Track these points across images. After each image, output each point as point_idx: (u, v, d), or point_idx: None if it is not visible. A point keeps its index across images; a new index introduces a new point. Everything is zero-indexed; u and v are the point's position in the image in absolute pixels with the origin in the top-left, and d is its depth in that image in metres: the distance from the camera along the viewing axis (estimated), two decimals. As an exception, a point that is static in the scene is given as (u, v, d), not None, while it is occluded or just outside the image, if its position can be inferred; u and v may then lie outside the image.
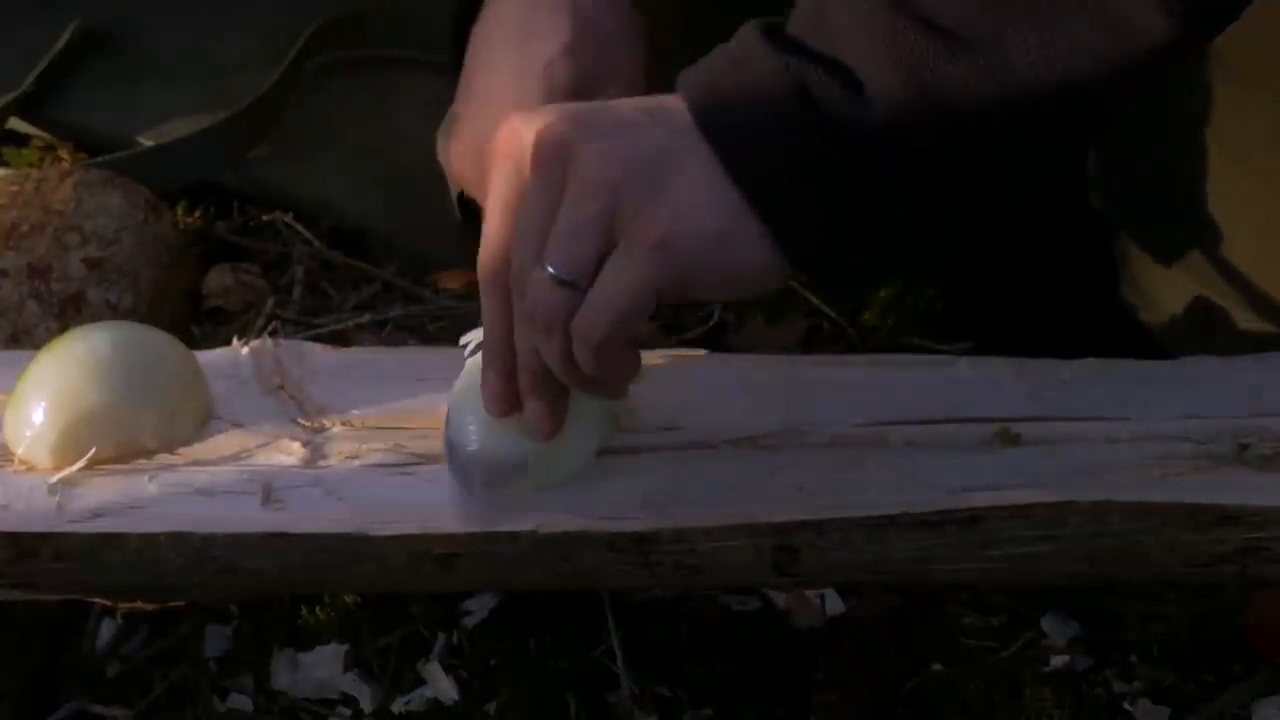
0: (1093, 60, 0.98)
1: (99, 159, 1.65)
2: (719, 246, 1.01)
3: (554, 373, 1.04)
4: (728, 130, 1.01)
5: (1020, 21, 0.97)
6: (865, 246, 1.02)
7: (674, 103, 1.02)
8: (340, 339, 1.50)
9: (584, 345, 1.01)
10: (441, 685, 1.27)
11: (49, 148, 1.76)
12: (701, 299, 1.05)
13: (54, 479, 1.09)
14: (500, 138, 1.04)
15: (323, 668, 1.28)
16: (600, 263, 1.00)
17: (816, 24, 1.00)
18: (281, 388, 1.17)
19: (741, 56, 1.01)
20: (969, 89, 0.98)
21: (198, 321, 1.57)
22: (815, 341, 1.48)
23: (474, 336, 1.13)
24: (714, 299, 1.04)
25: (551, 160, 1.01)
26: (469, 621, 1.30)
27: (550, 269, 1.00)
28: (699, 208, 1.00)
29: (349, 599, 1.31)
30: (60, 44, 1.79)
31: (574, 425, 1.08)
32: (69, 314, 1.37)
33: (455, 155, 1.23)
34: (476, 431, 1.08)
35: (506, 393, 1.06)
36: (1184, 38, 0.98)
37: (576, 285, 1.00)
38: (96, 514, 1.07)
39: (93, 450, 1.09)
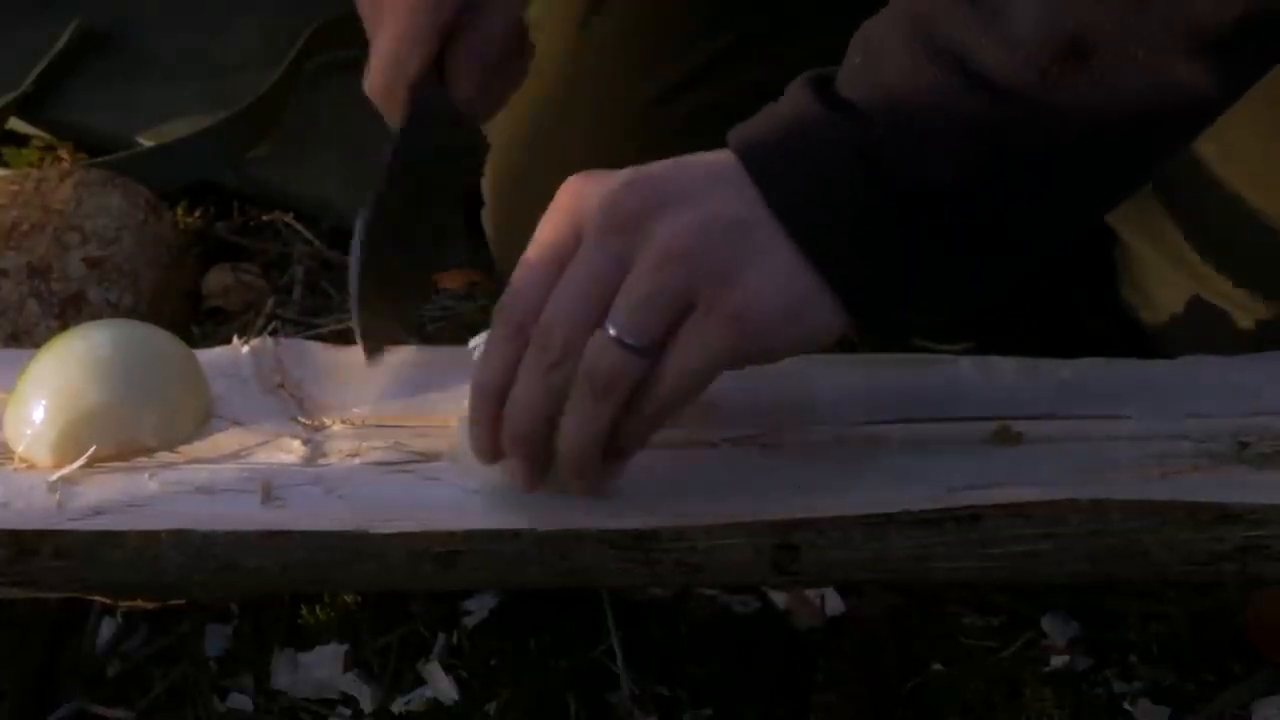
0: (1143, 118, 1.00)
1: (99, 159, 1.65)
2: (792, 318, 1.02)
3: (573, 438, 1.03)
4: (796, 208, 1.01)
5: (1074, 80, 0.98)
6: (925, 299, 1.04)
7: (735, 169, 1.02)
8: (340, 339, 1.50)
9: (655, 412, 1.02)
10: (441, 685, 1.27)
11: (49, 148, 1.77)
12: (764, 362, 1.05)
13: (54, 477, 1.09)
14: (564, 194, 1.04)
15: (323, 668, 1.28)
16: (668, 332, 1.01)
17: (872, 76, 1.01)
18: (282, 386, 1.17)
19: (800, 123, 1.02)
20: (1024, 147, 0.99)
21: (198, 321, 1.57)
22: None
23: (481, 340, 1.13)
24: (774, 360, 1.05)
25: (622, 228, 1.01)
26: (469, 621, 1.30)
27: (614, 332, 1.00)
28: (773, 282, 1.01)
29: (349, 599, 1.31)
30: (60, 44, 1.80)
31: None
32: (69, 313, 1.37)
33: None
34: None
35: (496, 443, 1.06)
36: (1228, 96, 1.01)
37: (644, 353, 1.01)
38: (97, 512, 1.07)
39: (93, 448, 1.09)
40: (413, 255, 1.12)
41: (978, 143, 0.99)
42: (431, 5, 1.12)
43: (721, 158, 1.03)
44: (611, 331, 1.00)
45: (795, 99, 1.03)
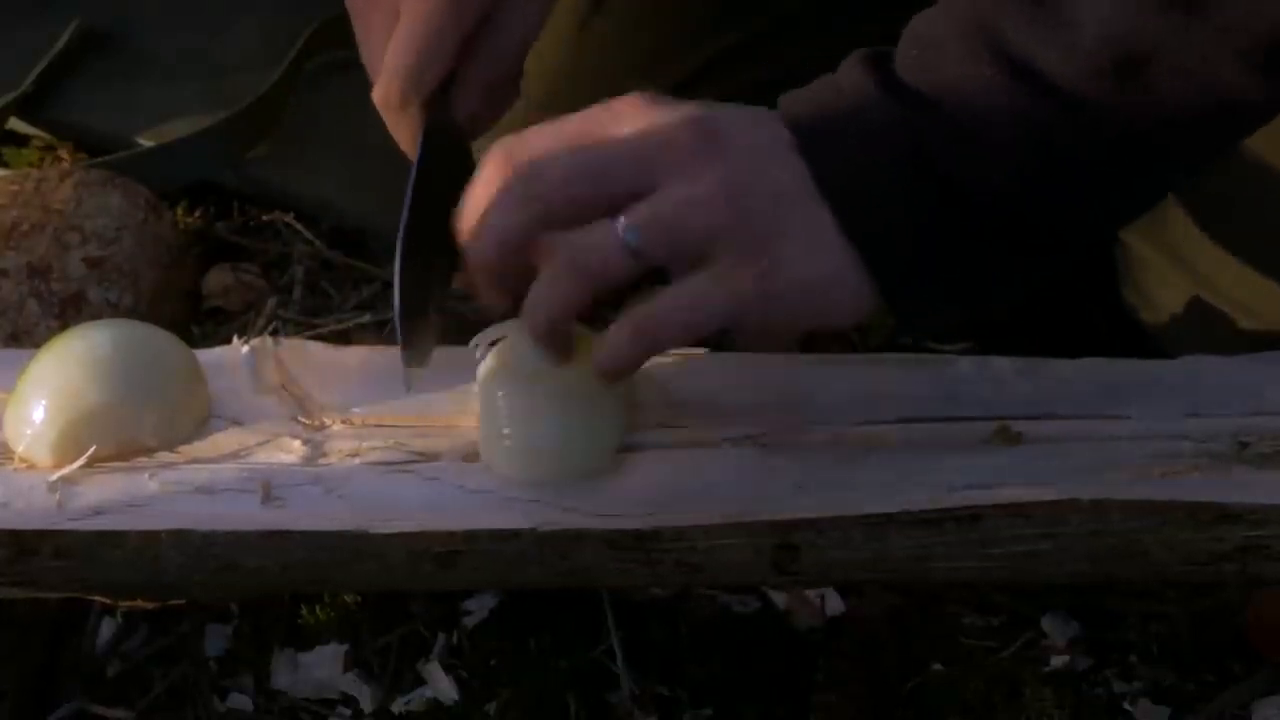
0: (1194, 125, 1.01)
1: (99, 159, 1.65)
2: (816, 293, 1.02)
3: (541, 306, 1.03)
4: (845, 190, 1.01)
5: (1131, 88, 0.99)
6: (965, 295, 1.05)
7: (787, 138, 1.02)
8: (340, 339, 1.50)
9: (639, 336, 1.02)
10: (441, 685, 1.27)
11: (49, 148, 1.77)
12: (773, 330, 1.06)
13: (54, 477, 1.09)
14: (629, 101, 1.03)
15: (323, 668, 1.28)
16: (669, 260, 1.01)
17: (929, 71, 1.01)
18: (282, 387, 1.17)
19: (856, 103, 1.02)
20: (1077, 152, 1.00)
21: (198, 321, 1.57)
22: (815, 341, 1.48)
23: (482, 337, 1.13)
24: (782, 330, 1.05)
25: (670, 154, 1.01)
26: (469, 621, 1.30)
27: (622, 229, 1.00)
28: (807, 256, 1.01)
29: (349, 599, 1.31)
30: (60, 44, 1.79)
31: (599, 417, 1.09)
32: (69, 313, 1.37)
33: None
34: (510, 419, 1.08)
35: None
36: (1278, 103, 1.02)
37: (641, 261, 1.01)
38: (97, 512, 1.07)
39: (93, 449, 1.09)
40: (440, 267, 1.11)
41: (1032, 146, 0.99)
42: (452, 18, 1.09)
43: (775, 127, 1.03)
44: (621, 227, 1.00)
45: (852, 77, 1.03)
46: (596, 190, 1.01)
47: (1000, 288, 1.05)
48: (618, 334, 1.03)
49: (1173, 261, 1.32)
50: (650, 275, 1.02)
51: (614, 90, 1.35)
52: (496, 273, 1.04)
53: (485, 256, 1.04)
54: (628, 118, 1.03)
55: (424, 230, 1.08)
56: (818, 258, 1.02)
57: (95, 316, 1.36)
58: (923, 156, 1.00)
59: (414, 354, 1.08)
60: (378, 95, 1.11)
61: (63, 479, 1.09)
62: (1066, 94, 0.99)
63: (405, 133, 1.12)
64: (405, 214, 1.07)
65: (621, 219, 1.00)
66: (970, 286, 1.05)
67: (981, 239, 1.02)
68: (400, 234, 1.07)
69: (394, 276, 1.07)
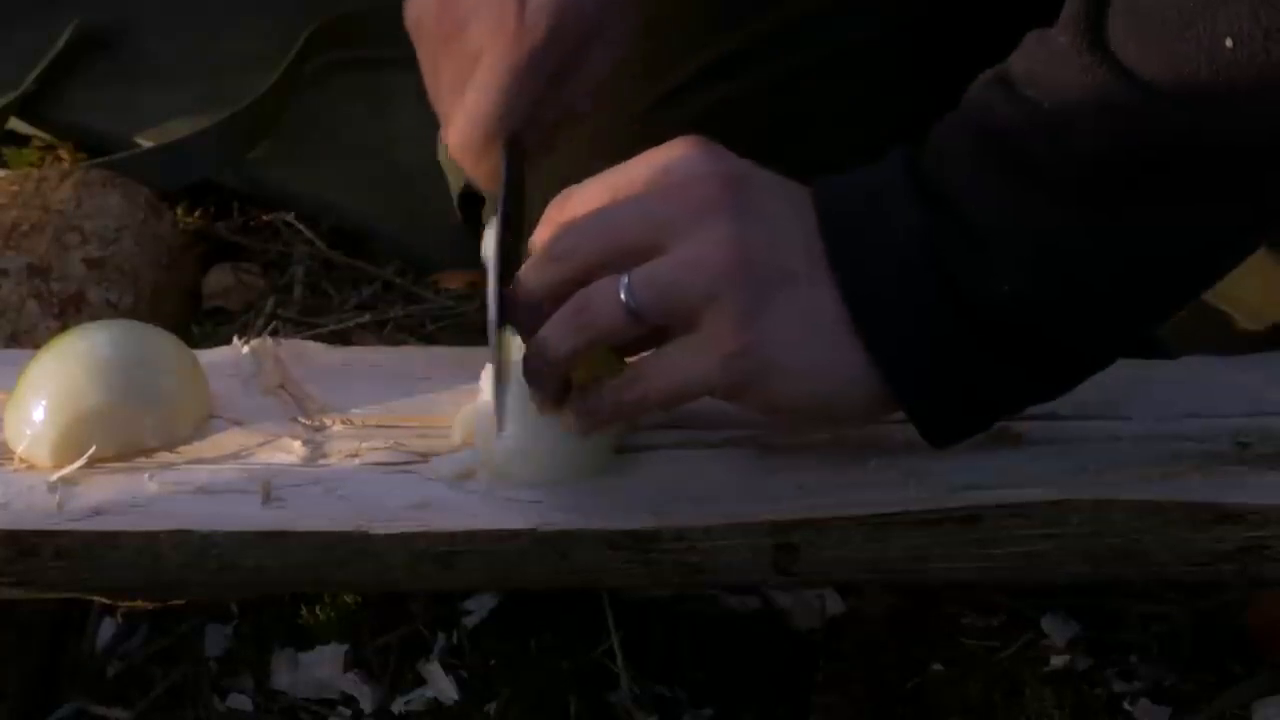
0: (1223, 231, 1.02)
1: (99, 159, 1.65)
2: (812, 373, 1.03)
3: (538, 344, 1.04)
4: (863, 291, 1.02)
5: (1151, 198, 0.99)
6: (982, 407, 1.05)
7: (813, 218, 1.03)
8: (340, 339, 1.50)
9: (615, 404, 1.04)
10: (441, 685, 1.27)
11: (49, 148, 1.77)
12: (777, 415, 1.07)
13: (54, 477, 1.09)
14: (678, 148, 1.04)
15: (323, 668, 1.28)
16: (669, 320, 1.02)
17: (947, 178, 1.02)
18: (282, 387, 1.17)
19: (884, 198, 1.02)
20: (1100, 268, 1.00)
21: (198, 321, 1.57)
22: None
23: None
24: (789, 418, 1.07)
25: (694, 209, 1.02)
26: (469, 621, 1.30)
27: (623, 291, 1.01)
28: (804, 333, 1.02)
29: (349, 599, 1.31)
30: (60, 44, 1.80)
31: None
32: (69, 314, 1.37)
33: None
34: (512, 423, 1.08)
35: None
36: None
37: (637, 321, 1.02)
38: (97, 512, 1.07)
39: (93, 449, 1.09)
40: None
41: (1042, 257, 1.00)
42: (535, 68, 1.09)
43: (804, 204, 1.04)
44: (622, 289, 1.01)
45: (888, 175, 1.03)
46: (606, 252, 1.03)
47: (1019, 398, 1.06)
48: (597, 398, 1.05)
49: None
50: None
51: (618, 92, 1.35)
52: (533, 325, 1.05)
53: (521, 312, 1.05)
54: (667, 170, 1.04)
55: (511, 264, 1.08)
56: (815, 335, 1.02)
57: (95, 316, 1.36)
58: (940, 267, 1.01)
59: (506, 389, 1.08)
60: (456, 138, 1.10)
61: (63, 479, 1.09)
62: (1075, 208, 0.99)
63: (485, 170, 1.11)
64: (496, 250, 1.07)
65: (625, 278, 1.02)
66: (987, 399, 1.05)
67: (996, 352, 1.02)
68: (493, 269, 1.07)
69: (489, 331, 1.07)
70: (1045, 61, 0.99)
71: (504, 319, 1.06)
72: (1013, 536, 1.06)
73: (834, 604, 1.30)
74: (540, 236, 1.06)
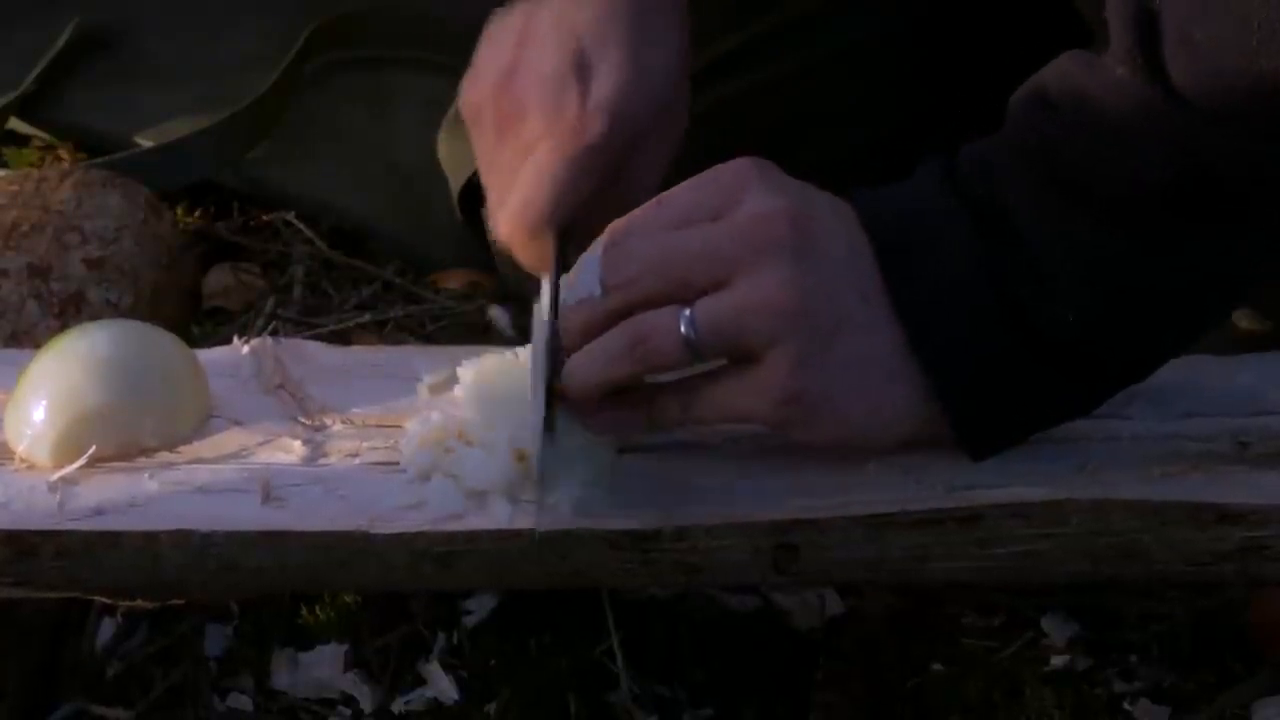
0: (1274, 247, 1.03)
1: (99, 159, 1.65)
2: (866, 407, 1.04)
3: (585, 369, 1.04)
4: (928, 330, 1.03)
5: (1212, 223, 1.01)
6: (1029, 421, 1.08)
7: (868, 248, 1.04)
8: (340, 339, 1.50)
9: (685, 416, 1.05)
10: (441, 685, 1.27)
11: (49, 148, 1.77)
12: (821, 443, 1.07)
13: (54, 477, 1.09)
14: (736, 171, 1.05)
15: (323, 668, 1.28)
16: (729, 354, 1.03)
17: (1002, 204, 1.02)
18: (282, 386, 1.17)
19: (939, 228, 1.03)
20: (1159, 290, 1.03)
21: (198, 321, 1.57)
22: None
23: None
24: (834, 445, 1.08)
25: (758, 246, 1.02)
26: (469, 621, 1.30)
27: (687, 327, 1.02)
28: (864, 369, 1.03)
29: (349, 599, 1.31)
30: (60, 44, 1.80)
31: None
32: (69, 313, 1.37)
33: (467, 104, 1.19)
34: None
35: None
36: None
37: (697, 356, 1.03)
38: (97, 512, 1.07)
39: (93, 449, 1.09)
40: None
41: (1103, 280, 1.02)
42: (592, 155, 1.10)
43: (858, 235, 1.04)
44: (683, 323, 1.02)
45: (935, 197, 1.04)
46: (670, 285, 1.03)
47: (1065, 413, 1.08)
48: (664, 406, 1.05)
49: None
50: None
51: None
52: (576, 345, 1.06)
53: (572, 337, 1.05)
54: (731, 200, 1.04)
55: (557, 351, 1.07)
56: (873, 381, 1.04)
57: (95, 316, 1.36)
58: (1001, 291, 1.02)
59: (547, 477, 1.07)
60: (507, 225, 1.11)
61: (63, 479, 1.09)
62: (1138, 234, 1.01)
63: (534, 254, 1.11)
64: (547, 338, 1.07)
65: (687, 311, 1.02)
66: (1035, 413, 1.07)
67: (1051, 370, 1.04)
68: (543, 360, 1.07)
69: (533, 408, 1.06)
70: (1102, 90, 1.01)
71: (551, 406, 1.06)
72: (1013, 536, 1.06)
73: (834, 604, 1.30)
74: (600, 258, 1.05)
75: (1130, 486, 1.07)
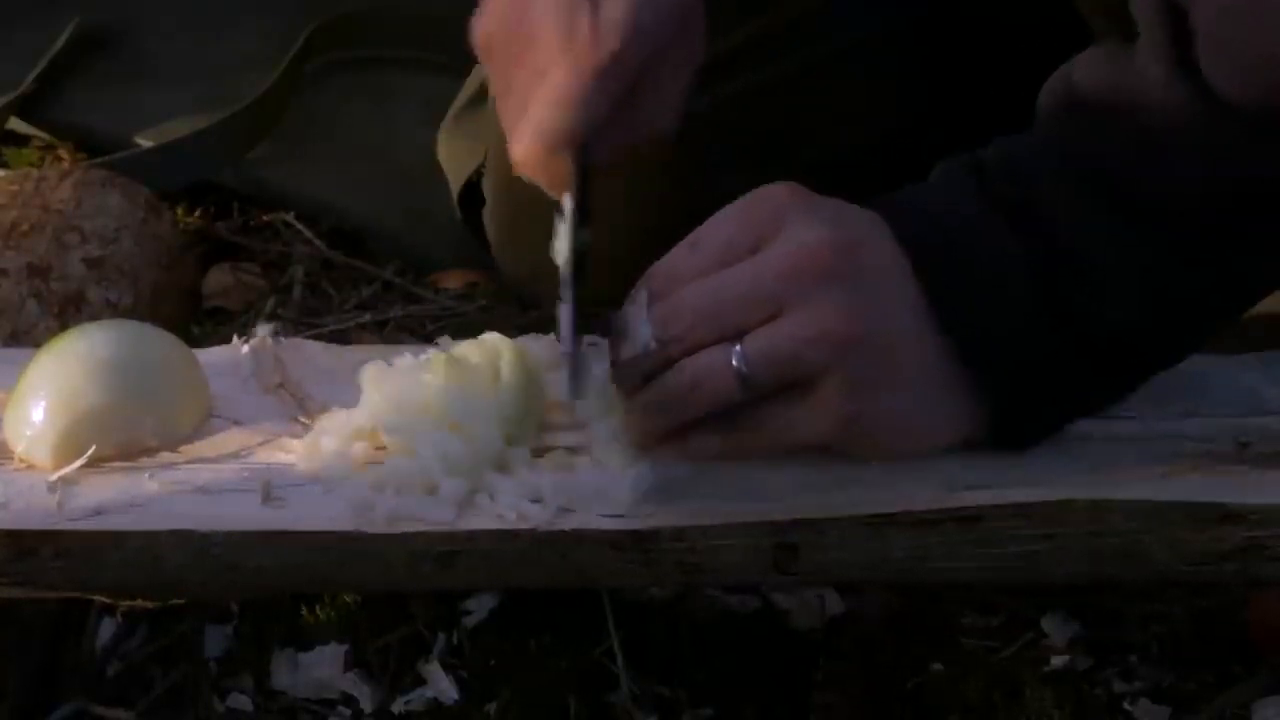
0: None
1: (99, 159, 1.65)
2: (918, 425, 1.06)
3: (642, 411, 1.06)
4: (969, 324, 1.04)
5: (1247, 221, 1.03)
6: (1066, 414, 1.09)
7: (906, 263, 1.04)
8: (340, 339, 1.50)
9: (729, 446, 1.06)
10: (441, 685, 1.27)
11: (49, 148, 1.77)
12: (869, 454, 1.09)
13: (54, 477, 1.09)
14: (767, 201, 1.06)
15: (323, 668, 1.28)
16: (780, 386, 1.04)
17: (1043, 210, 1.03)
18: (281, 386, 1.17)
19: (978, 237, 1.04)
20: (1196, 287, 1.04)
21: (198, 321, 1.57)
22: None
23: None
24: (881, 456, 1.10)
25: (802, 280, 1.03)
26: (469, 621, 1.30)
27: (736, 360, 1.03)
28: (914, 393, 1.05)
29: (349, 599, 1.31)
30: (60, 44, 1.80)
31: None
32: (69, 313, 1.37)
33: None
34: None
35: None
36: None
37: (751, 390, 1.03)
38: (97, 512, 1.07)
39: (93, 449, 1.09)
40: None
41: (1150, 284, 1.03)
42: (605, 74, 1.09)
43: (895, 250, 1.05)
44: (735, 359, 1.03)
45: (964, 202, 1.05)
46: (724, 331, 1.04)
47: (1103, 402, 1.10)
48: (707, 436, 1.06)
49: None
50: None
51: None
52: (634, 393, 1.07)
53: (631, 390, 1.07)
54: (772, 232, 1.04)
55: (582, 267, 1.08)
56: (926, 393, 1.05)
57: (95, 316, 1.36)
58: (1047, 294, 1.03)
59: (578, 387, 1.08)
60: (524, 145, 1.10)
61: (63, 479, 1.09)
62: (1187, 248, 1.02)
63: (552, 174, 1.11)
64: (569, 254, 1.08)
65: (738, 347, 1.03)
66: (1074, 407, 1.09)
67: (1093, 368, 1.05)
68: (567, 274, 1.08)
69: (560, 317, 1.07)
70: (1138, 90, 1.01)
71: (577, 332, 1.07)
72: (1013, 536, 1.06)
73: (834, 604, 1.30)
74: (650, 313, 1.05)
75: (1130, 486, 1.07)
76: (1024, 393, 1.06)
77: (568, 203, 1.09)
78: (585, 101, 1.08)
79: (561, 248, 1.08)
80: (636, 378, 1.06)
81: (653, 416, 1.06)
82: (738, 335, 1.03)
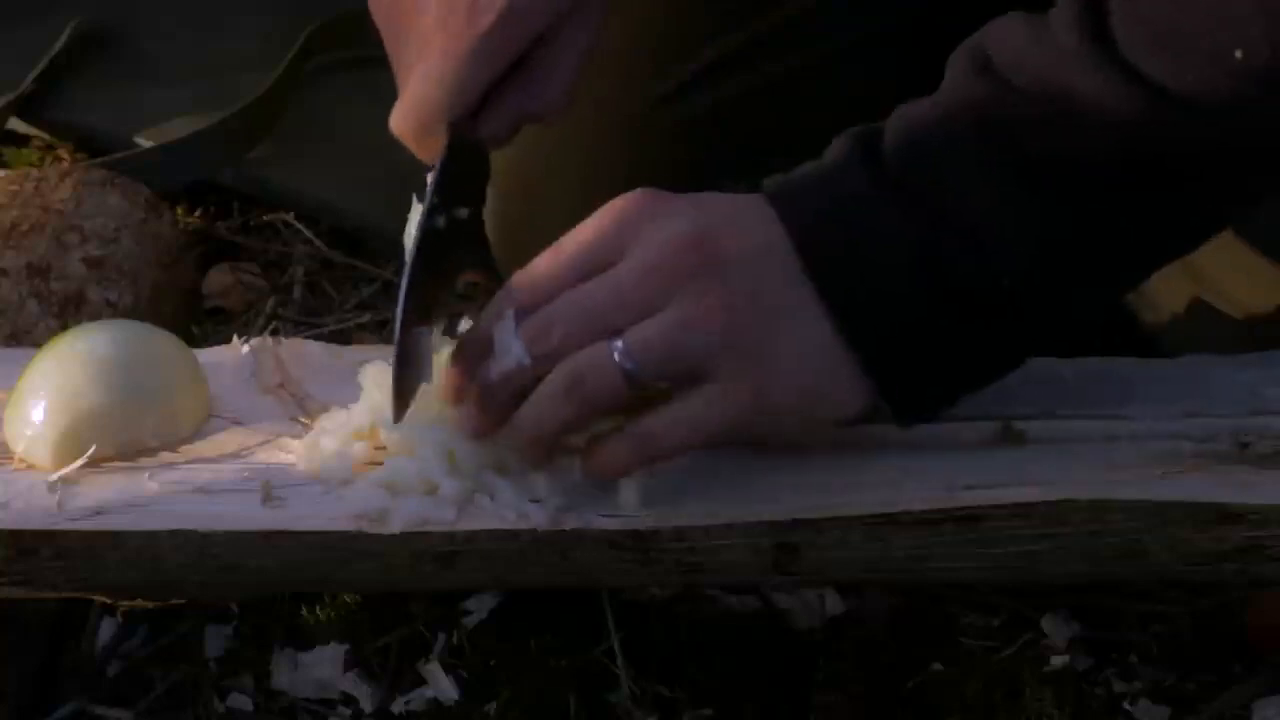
0: (1207, 210, 1.05)
1: (99, 159, 1.65)
2: (811, 397, 1.05)
3: (530, 422, 1.05)
4: (848, 296, 1.04)
5: (1150, 191, 1.02)
6: (961, 383, 1.08)
7: (784, 239, 1.04)
8: (340, 339, 1.50)
9: (636, 452, 1.05)
10: (441, 685, 1.27)
11: (49, 148, 1.77)
12: (768, 440, 1.09)
13: (54, 477, 1.09)
14: (624, 206, 1.05)
15: (323, 668, 1.28)
16: (669, 380, 1.04)
17: (933, 177, 1.03)
18: (281, 386, 1.17)
19: (856, 201, 1.04)
20: (1093, 254, 1.03)
21: (198, 321, 1.57)
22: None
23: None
24: (783, 434, 1.10)
25: (668, 275, 1.03)
26: (469, 621, 1.30)
27: (619, 356, 1.03)
28: (802, 366, 1.04)
29: (349, 599, 1.31)
30: (60, 44, 1.79)
31: None
32: (69, 313, 1.37)
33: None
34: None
35: (459, 388, 1.08)
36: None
37: (640, 386, 1.03)
38: (97, 512, 1.07)
39: (93, 449, 1.09)
40: (450, 274, 1.12)
41: (1044, 248, 1.02)
42: (485, 60, 1.09)
43: (772, 229, 1.04)
44: (616, 354, 1.03)
45: (849, 173, 1.04)
46: (594, 337, 1.04)
47: (997, 371, 1.08)
48: (616, 447, 1.06)
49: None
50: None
51: (619, 90, 1.34)
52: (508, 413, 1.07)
53: (499, 405, 1.06)
54: (632, 239, 1.04)
55: (437, 243, 1.08)
56: (814, 365, 1.04)
57: (95, 316, 1.36)
58: (930, 262, 1.02)
59: (410, 374, 1.08)
60: (397, 122, 1.12)
61: (63, 479, 1.09)
62: (1078, 201, 1.01)
63: (429, 150, 1.12)
64: (418, 231, 1.08)
65: (619, 343, 1.03)
66: (967, 374, 1.07)
67: (984, 332, 1.04)
68: (413, 251, 1.08)
69: (399, 296, 1.07)
70: (1048, 61, 1.00)
71: (408, 306, 1.06)
72: (1013, 536, 1.06)
73: (834, 604, 1.30)
74: (520, 330, 1.05)
75: (1130, 486, 1.07)
76: (909, 362, 1.05)
77: (429, 180, 1.09)
78: (456, 81, 1.09)
79: (410, 229, 1.09)
80: (508, 397, 1.05)
81: (536, 418, 1.05)
82: (613, 334, 1.03)
